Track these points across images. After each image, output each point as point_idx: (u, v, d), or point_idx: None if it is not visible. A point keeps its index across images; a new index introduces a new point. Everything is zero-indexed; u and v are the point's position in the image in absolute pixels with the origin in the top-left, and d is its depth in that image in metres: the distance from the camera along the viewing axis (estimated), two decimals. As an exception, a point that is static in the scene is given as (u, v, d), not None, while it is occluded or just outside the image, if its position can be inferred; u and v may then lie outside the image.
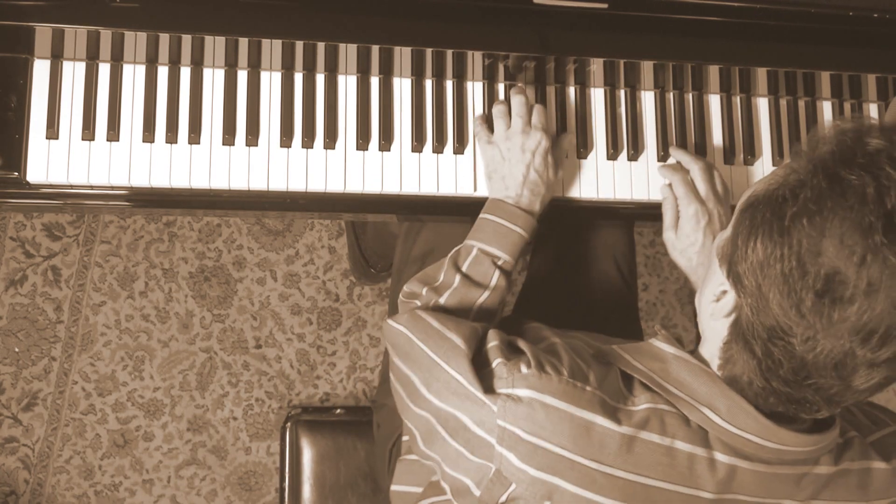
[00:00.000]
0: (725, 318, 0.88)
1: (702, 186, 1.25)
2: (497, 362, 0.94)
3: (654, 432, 0.90)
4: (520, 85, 1.31)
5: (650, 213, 1.36)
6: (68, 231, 2.05)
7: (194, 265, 2.07)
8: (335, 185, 1.27)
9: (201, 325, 2.06)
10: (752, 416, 0.88)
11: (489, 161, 1.25)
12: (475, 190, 1.30)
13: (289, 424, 1.50)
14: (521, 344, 0.97)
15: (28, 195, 1.22)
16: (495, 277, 1.15)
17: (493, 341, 0.98)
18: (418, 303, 1.16)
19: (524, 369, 0.92)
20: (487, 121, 1.29)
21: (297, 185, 1.26)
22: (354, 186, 1.27)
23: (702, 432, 0.91)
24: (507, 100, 1.29)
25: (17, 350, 2.01)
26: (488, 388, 0.92)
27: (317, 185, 1.26)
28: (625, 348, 0.99)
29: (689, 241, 1.23)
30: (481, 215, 1.20)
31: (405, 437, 1.25)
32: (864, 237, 0.76)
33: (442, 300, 1.14)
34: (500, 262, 1.16)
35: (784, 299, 0.80)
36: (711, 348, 0.92)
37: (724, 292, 0.88)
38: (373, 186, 1.27)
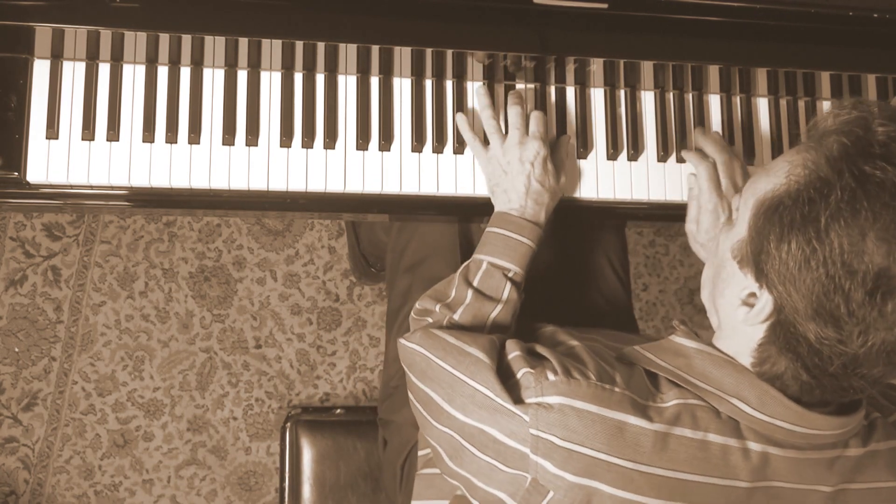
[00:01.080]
0: (762, 323, 0.88)
1: (724, 181, 1.24)
2: (523, 372, 0.94)
3: (687, 427, 0.90)
4: (517, 94, 1.29)
5: (650, 213, 1.36)
6: (68, 231, 2.05)
7: (194, 265, 2.07)
8: (335, 185, 1.27)
9: (201, 325, 2.06)
10: (783, 404, 0.89)
11: (490, 176, 1.24)
12: (475, 190, 1.30)
13: (289, 424, 1.50)
14: (542, 350, 0.97)
15: (28, 195, 1.22)
16: (507, 290, 1.15)
17: (514, 352, 0.98)
18: (430, 319, 1.15)
19: (551, 376, 0.91)
20: (478, 130, 1.28)
21: (297, 185, 1.26)
22: (354, 186, 1.27)
23: (733, 423, 0.91)
24: (506, 103, 1.29)
25: (17, 350, 2.01)
26: (517, 399, 0.92)
27: (317, 185, 1.26)
28: (646, 347, 0.99)
29: (708, 236, 1.23)
30: (488, 229, 1.20)
31: (421, 452, 1.25)
32: None
33: (456, 316, 1.14)
34: (510, 275, 1.16)
35: (830, 300, 0.80)
36: (737, 349, 0.92)
37: (753, 295, 0.88)
38: (373, 186, 1.27)
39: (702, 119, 1.36)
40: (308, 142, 1.26)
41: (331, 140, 1.27)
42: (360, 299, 2.11)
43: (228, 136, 1.25)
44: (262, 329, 2.07)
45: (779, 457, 0.91)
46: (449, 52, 1.27)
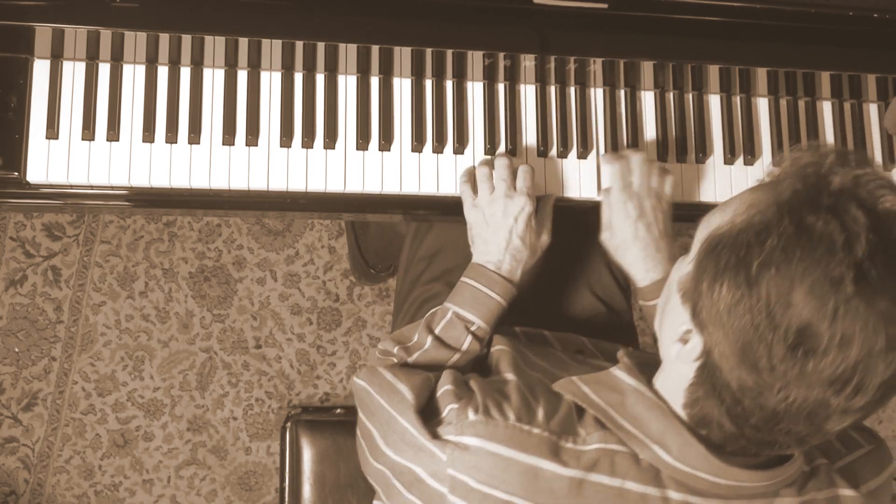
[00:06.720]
0: (693, 363, 0.85)
1: (636, 180, 1.23)
2: (449, 409, 0.94)
3: (604, 474, 0.89)
4: (500, 151, 1.28)
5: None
6: (68, 231, 2.05)
7: (194, 265, 2.07)
8: (335, 185, 1.27)
9: (201, 325, 2.06)
10: (703, 456, 0.86)
11: (473, 224, 1.22)
12: (475, 190, 1.30)
13: (289, 424, 1.49)
14: (473, 384, 0.97)
15: (28, 195, 1.22)
16: (467, 342, 1.14)
17: (445, 385, 0.97)
18: (394, 360, 1.16)
19: (471, 415, 0.91)
20: (472, 179, 1.25)
21: (297, 185, 1.26)
22: (354, 186, 1.27)
23: (654, 471, 0.89)
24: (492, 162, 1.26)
25: (17, 350, 2.01)
26: (436, 435, 0.92)
27: (317, 185, 1.26)
28: (584, 379, 0.96)
29: (621, 237, 1.22)
30: (462, 279, 1.18)
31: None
32: (835, 290, 0.73)
33: (411, 360, 1.14)
34: (473, 328, 1.15)
35: (753, 351, 0.77)
36: (674, 386, 0.89)
37: (689, 331, 0.84)
38: (373, 186, 1.27)
39: (702, 119, 1.36)
40: (308, 142, 1.26)
41: (331, 140, 1.27)
42: (360, 299, 2.11)
43: (228, 136, 1.25)
44: (262, 329, 2.07)
45: None
46: (449, 52, 1.27)
